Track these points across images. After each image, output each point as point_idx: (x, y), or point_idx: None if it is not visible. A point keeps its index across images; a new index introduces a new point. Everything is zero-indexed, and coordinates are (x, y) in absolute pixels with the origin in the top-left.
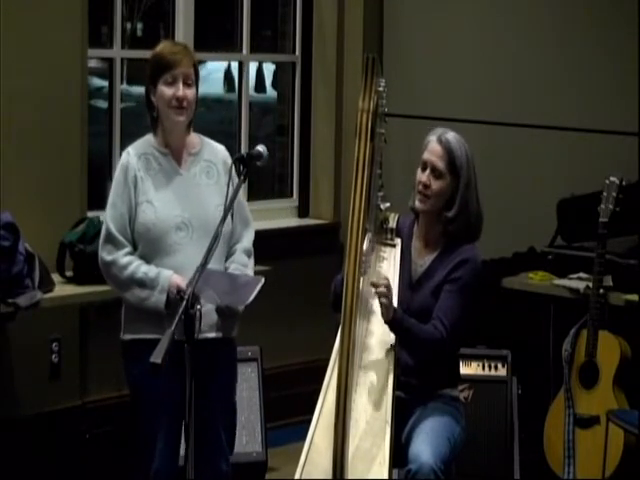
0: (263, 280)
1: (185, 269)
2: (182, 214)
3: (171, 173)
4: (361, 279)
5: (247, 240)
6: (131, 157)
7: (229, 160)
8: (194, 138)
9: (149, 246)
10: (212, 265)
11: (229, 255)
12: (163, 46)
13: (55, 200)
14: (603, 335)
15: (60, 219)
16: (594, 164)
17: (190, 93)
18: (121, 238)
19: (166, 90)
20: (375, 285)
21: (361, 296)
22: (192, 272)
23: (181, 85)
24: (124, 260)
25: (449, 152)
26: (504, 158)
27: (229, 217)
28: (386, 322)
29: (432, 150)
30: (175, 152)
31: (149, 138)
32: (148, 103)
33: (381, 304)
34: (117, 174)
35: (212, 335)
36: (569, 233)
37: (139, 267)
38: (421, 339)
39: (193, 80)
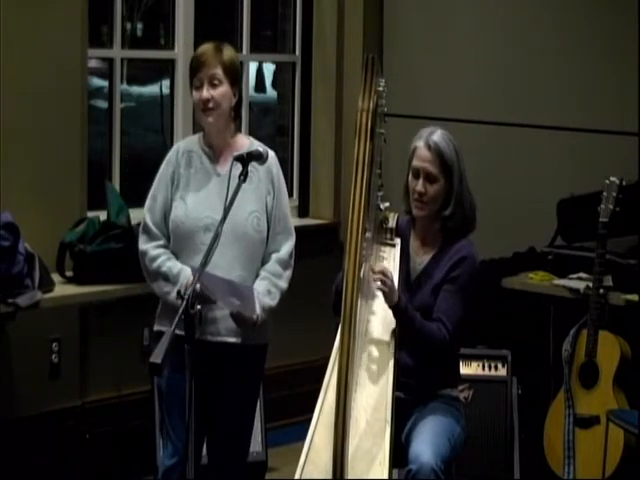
0: (255, 290)
1: (209, 271)
2: (212, 215)
3: (210, 173)
4: (361, 278)
5: (285, 251)
6: (174, 153)
7: (274, 167)
8: (242, 140)
9: (178, 243)
10: (239, 271)
11: (263, 263)
12: (197, 51)
13: (55, 200)
14: (603, 335)
15: (60, 219)
16: (594, 164)
17: (217, 93)
18: (155, 230)
19: (195, 94)
20: (373, 272)
21: (361, 295)
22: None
23: (205, 87)
24: (154, 252)
25: (439, 155)
26: (504, 158)
27: (263, 224)
28: (390, 307)
29: (422, 157)
30: (218, 153)
31: (198, 135)
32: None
33: (381, 290)
34: (161, 167)
35: (231, 340)
36: (569, 233)
37: (165, 261)
38: (424, 334)
39: (221, 79)
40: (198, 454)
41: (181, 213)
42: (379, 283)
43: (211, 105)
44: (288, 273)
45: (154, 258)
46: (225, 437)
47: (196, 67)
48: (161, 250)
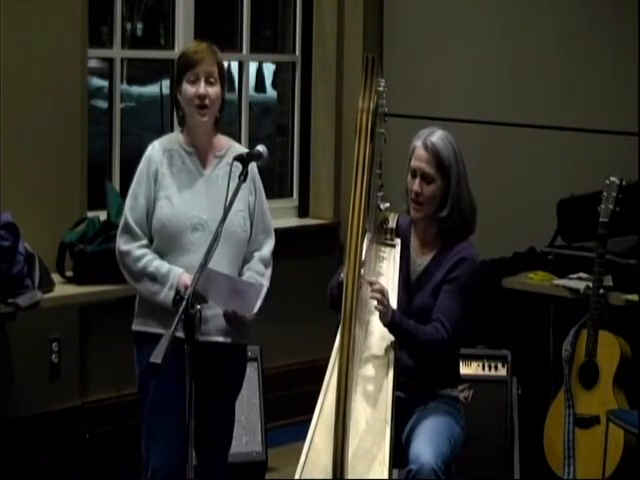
0: (265, 289)
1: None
2: (199, 215)
3: (194, 173)
4: (361, 279)
5: (266, 249)
6: (155, 151)
7: (254, 167)
8: (222, 140)
9: (164, 242)
10: (226, 269)
11: (246, 262)
12: (189, 45)
13: (55, 200)
14: (603, 335)
15: (60, 219)
16: (594, 164)
17: (212, 91)
18: (137, 230)
19: (189, 88)
20: (371, 287)
21: (361, 296)
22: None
23: (203, 83)
24: (138, 252)
25: (436, 156)
26: (504, 158)
27: (248, 223)
28: (385, 325)
29: (419, 157)
30: (200, 152)
31: (177, 134)
32: (175, 102)
33: (376, 309)
34: (140, 166)
35: (220, 339)
36: (569, 233)
37: (152, 261)
38: (421, 341)
39: (216, 78)
40: (185, 455)
41: (168, 212)
42: (376, 302)
43: (207, 102)
44: (269, 272)
45: (139, 258)
46: (213, 436)
47: (191, 62)
48: (145, 250)
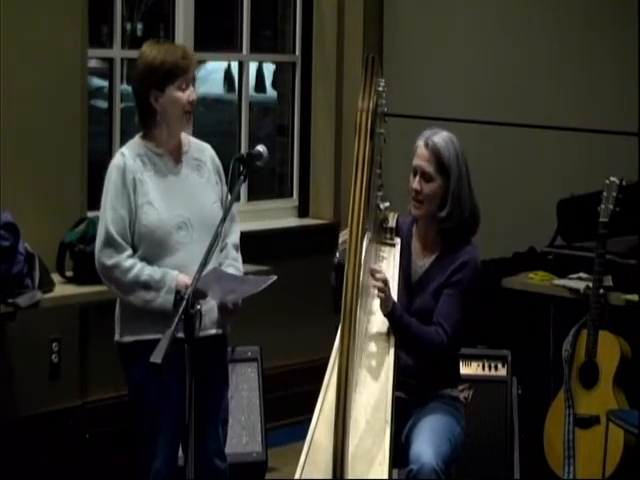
0: (275, 277)
1: (187, 268)
2: (182, 213)
3: (167, 173)
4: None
5: (235, 235)
6: (128, 159)
7: (216, 158)
8: (184, 138)
9: (152, 247)
10: (213, 262)
11: (221, 249)
12: (166, 50)
13: (55, 200)
14: (603, 335)
15: (60, 219)
16: (594, 164)
17: (195, 95)
18: (122, 241)
19: (182, 95)
20: (373, 276)
21: (361, 295)
22: (194, 271)
23: (192, 88)
24: (127, 263)
25: (436, 154)
26: (504, 158)
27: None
28: (385, 315)
29: (420, 155)
30: (171, 152)
31: (138, 140)
32: (146, 105)
33: (379, 297)
34: (113, 176)
35: (213, 332)
36: (569, 233)
37: (143, 269)
38: (421, 339)
39: (194, 81)
40: (177, 456)
41: (154, 217)
42: (377, 291)
43: (193, 108)
44: (240, 255)
45: (129, 269)
46: (214, 430)
47: (183, 69)
48: (133, 260)
